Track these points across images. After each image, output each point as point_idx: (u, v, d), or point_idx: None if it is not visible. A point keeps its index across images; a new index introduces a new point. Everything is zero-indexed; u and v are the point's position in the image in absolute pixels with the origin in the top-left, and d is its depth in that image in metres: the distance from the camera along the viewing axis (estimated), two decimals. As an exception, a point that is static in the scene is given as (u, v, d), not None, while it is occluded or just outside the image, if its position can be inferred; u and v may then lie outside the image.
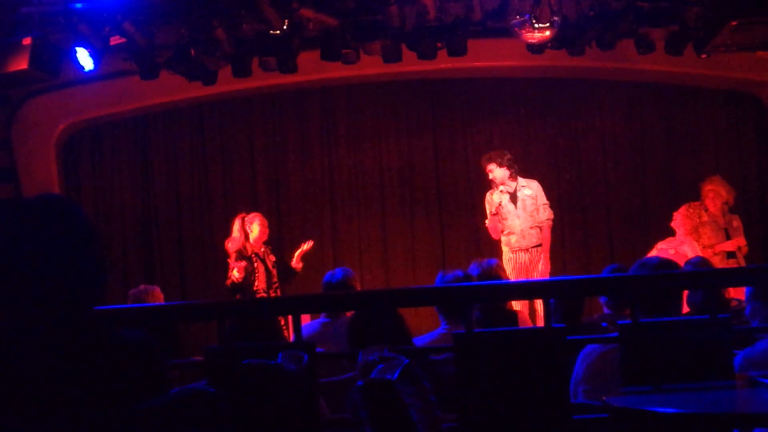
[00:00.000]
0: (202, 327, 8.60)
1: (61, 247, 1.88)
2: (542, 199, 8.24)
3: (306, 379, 3.17)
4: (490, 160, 8.20)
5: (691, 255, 7.82)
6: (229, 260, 8.10)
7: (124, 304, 5.99)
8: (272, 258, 8.20)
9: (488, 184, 8.34)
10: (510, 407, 3.51)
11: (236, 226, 8.12)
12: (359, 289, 6.12)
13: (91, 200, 9.75)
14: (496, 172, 8.15)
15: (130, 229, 9.86)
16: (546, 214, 8.22)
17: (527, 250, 8.11)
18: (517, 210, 8.13)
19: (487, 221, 8.23)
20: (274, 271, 8.14)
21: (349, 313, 5.43)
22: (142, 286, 6.30)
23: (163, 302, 6.07)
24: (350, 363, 4.03)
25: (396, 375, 2.53)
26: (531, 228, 8.13)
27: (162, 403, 1.88)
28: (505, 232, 8.17)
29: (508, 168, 8.17)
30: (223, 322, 3.85)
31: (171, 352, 4.48)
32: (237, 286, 7.92)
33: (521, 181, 8.23)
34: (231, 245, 8.11)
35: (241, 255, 7.99)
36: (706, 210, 8.38)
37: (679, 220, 8.17)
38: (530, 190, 8.20)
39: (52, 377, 1.80)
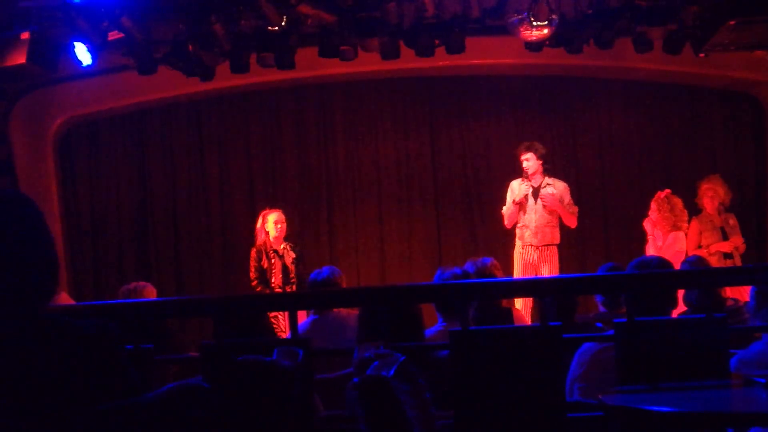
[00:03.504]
0: (199, 323, 8.61)
1: (8, 242, 1.89)
2: (567, 200, 8.19)
3: (301, 376, 3.17)
4: (529, 149, 8.16)
5: (677, 247, 7.88)
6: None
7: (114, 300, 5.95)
8: (292, 255, 8.17)
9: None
10: (505, 405, 3.52)
11: (259, 223, 8.23)
12: (345, 287, 6.05)
13: (87, 194, 9.74)
14: (532, 163, 8.11)
15: (126, 224, 9.85)
16: (573, 209, 8.23)
17: (537, 247, 8.08)
18: (536, 206, 8.09)
19: (504, 208, 8.18)
20: (292, 268, 8.10)
21: (337, 310, 5.44)
22: (140, 283, 6.23)
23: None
24: (344, 359, 4.02)
25: (392, 372, 2.53)
26: (545, 226, 8.10)
27: (157, 398, 1.87)
28: (519, 225, 8.14)
29: (542, 162, 8.16)
30: (218, 318, 3.85)
31: (162, 349, 4.48)
32: (256, 282, 8.05)
33: (547, 179, 8.19)
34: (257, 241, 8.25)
35: (259, 252, 8.09)
36: (703, 209, 8.39)
37: (655, 219, 8.16)
38: (554, 189, 8.13)
39: (5, 376, 1.79)
